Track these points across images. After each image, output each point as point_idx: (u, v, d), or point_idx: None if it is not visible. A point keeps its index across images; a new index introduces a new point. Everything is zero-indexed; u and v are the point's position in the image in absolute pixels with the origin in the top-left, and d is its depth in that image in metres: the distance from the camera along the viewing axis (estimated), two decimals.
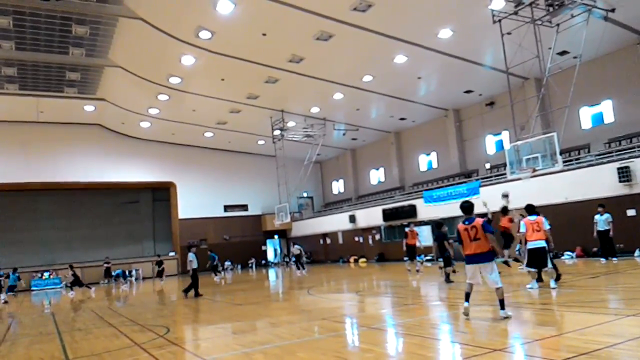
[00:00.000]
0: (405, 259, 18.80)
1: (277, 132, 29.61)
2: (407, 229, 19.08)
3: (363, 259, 31.16)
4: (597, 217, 15.46)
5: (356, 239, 32.37)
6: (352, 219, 31.74)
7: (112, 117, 31.89)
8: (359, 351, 6.67)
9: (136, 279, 33.30)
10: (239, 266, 37.04)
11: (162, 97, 26.96)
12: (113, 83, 26.14)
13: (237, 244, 37.63)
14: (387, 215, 28.80)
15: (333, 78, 24.51)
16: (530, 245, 10.40)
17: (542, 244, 10.29)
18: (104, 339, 8.98)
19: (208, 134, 34.19)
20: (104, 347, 8.01)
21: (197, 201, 36.79)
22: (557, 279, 10.79)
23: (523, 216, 10.98)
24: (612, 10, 16.46)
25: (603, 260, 15.61)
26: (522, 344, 6.20)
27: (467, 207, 8.06)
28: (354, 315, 10.20)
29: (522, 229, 10.68)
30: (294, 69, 23.18)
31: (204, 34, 19.69)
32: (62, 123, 32.11)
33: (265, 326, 9.18)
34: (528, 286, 10.63)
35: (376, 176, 36.40)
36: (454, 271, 14.83)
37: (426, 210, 26.11)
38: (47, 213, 34.66)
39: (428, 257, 25.82)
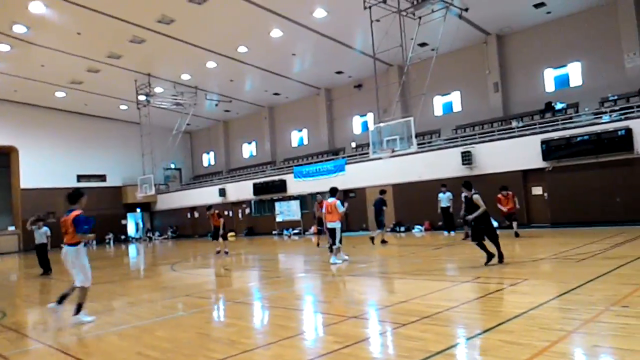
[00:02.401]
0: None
1: (142, 98, 27.66)
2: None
3: (232, 233, 30.98)
4: (440, 195, 17.34)
5: (226, 212, 31.98)
6: (222, 192, 31.26)
7: None
8: (222, 326, 6.66)
9: None
10: (94, 242, 34.07)
11: (3, 47, 23.16)
12: None
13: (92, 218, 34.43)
14: (258, 189, 28.93)
15: (206, 45, 23.53)
16: (328, 225, 11.81)
17: (334, 225, 11.61)
18: None
19: (60, 94, 30.38)
20: None
21: (44, 169, 32.63)
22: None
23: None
24: (466, 10, 18.36)
25: (445, 233, 17.72)
26: (375, 310, 6.76)
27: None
28: (219, 290, 10.12)
29: (323, 210, 11.91)
30: (163, 31, 21.70)
31: None
32: None
33: (122, 306, 8.65)
34: (331, 261, 11.63)
35: (248, 150, 36.20)
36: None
37: (296, 185, 26.77)
38: None
39: (296, 231, 26.64)
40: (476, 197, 9.41)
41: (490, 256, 9.29)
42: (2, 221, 32.58)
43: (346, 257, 12.06)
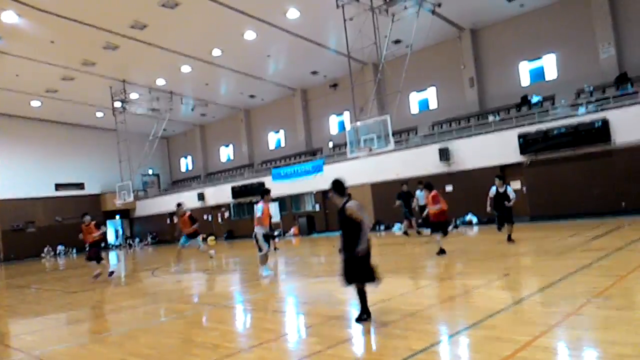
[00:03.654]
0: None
1: (117, 104, 27.08)
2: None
3: (212, 237, 30.52)
4: (417, 192, 16.85)
5: (205, 217, 31.51)
6: (201, 196, 30.77)
7: None
8: (205, 330, 6.55)
9: None
10: (74, 250, 33.30)
11: None
12: None
13: (71, 226, 33.34)
14: (237, 192, 28.53)
15: (180, 49, 23.14)
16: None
17: (256, 230, 10.55)
18: None
19: (35, 103, 29.78)
20: None
21: (22, 179, 31.86)
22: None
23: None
24: (439, 5, 18.17)
25: (425, 230, 17.36)
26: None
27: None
28: (201, 294, 9.89)
29: (259, 213, 10.54)
30: (136, 36, 21.31)
31: None
32: None
33: (104, 313, 8.55)
34: (261, 271, 10.53)
35: (225, 153, 35.72)
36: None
37: (274, 187, 26.41)
38: None
39: (276, 233, 26.36)
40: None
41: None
42: None
43: (270, 272, 10.61)
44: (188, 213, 13.91)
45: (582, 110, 16.89)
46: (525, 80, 21.22)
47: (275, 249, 16.88)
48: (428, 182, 11.97)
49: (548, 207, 17.24)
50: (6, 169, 31.59)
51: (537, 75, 20.99)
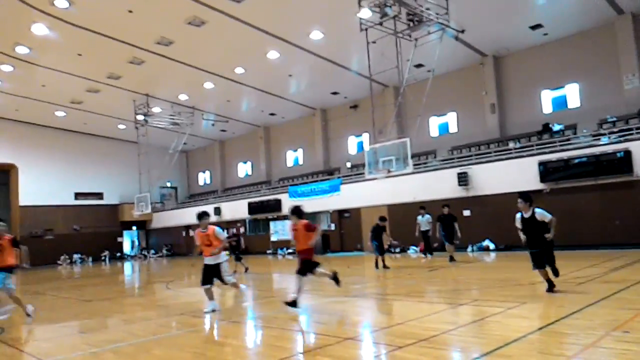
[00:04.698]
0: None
1: (140, 117, 27.57)
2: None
3: (226, 252, 30.58)
4: (419, 218, 16.38)
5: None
6: (218, 211, 30.98)
7: None
8: (217, 345, 6.51)
9: None
10: (91, 259, 33.81)
11: (6, 68, 23.41)
12: None
13: (89, 235, 34.25)
14: (253, 208, 28.66)
15: (204, 66, 23.57)
16: (205, 260, 8.59)
17: (213, 260, 8.45)
18: None
19: (60, 113, 30.53)
20: None
21: (43, 187, 32.63)
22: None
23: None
24: (462, 31, 18.29)
25: (424, 256, 16.82)
26: (370, 332, 6.54)
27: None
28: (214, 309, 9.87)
29: (197, 242, 8.65)
30: (162, 52, 21.79)
31: (61, 3, 17.48)
32: None
33: (117, 324, 8.52)
34: (205, 310, 8.49)
35: (243, 169, 35.97)
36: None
37: (290, 204, 26.49)
38: None
39: (290, 250, 26.34)
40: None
41: None
42: None
43: (211, 307, 8.51)
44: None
45: (604, 140, 16.64)
46: (547, 108, 21.05)
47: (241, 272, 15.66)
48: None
49: (567, 237, 16.71)
50: (28, 176, 32.38)
51: (560, 103, 20.80)
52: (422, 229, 16.35)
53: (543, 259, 7.97)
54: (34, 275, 23.97)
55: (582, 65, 19.85)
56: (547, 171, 17.23)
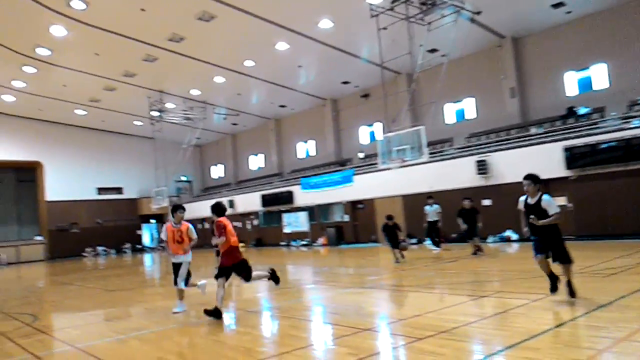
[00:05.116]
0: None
1: (154, 113, 27.55)
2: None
3: (241, 244, 30.51)
4: (426, 208, 15.16)
5: (234, 224, 31.64)
6: (231, 204, 30.80)
7: None
8: (236, 334, 6.49)
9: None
10: (113, 251, 34.60)
11: (28, 70, 23.53)
12: None
13: (110, 228, 34.77)
14: (266, 200, 28.27)
15: (214, 60, 23.13)
16: (174, 259, 8.01)
17: (182, 258, 7.93)
18: None
19: (80, 112, 30.73)
20: None
21: (67, 183, 33.37)
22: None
23: None
24: (478, 13, 16.91)
25: (433, 248, 15.51)
26: (387, 323, 6.32)
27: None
28: (231, 299, 9.78)
29: (164, 236, 8.02)
30: (173, 49, 21.49)
31: (77, 4, 17.34)
32: None
33: (140, 312, 8.73)
34: (174, 310, 7.93)
35: (256, 162, 35.47)
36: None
37: (303, 196, 26.24)
38: None
39: (304, 242, 26.19)
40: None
41: None
42: (29, 231, 33.45)
43: (180, 309, 7.93)
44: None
45: (635, 123, 15.13)
46: (571, 91, 19.33)
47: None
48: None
49: (596, 226, 15.44)
50: (53, 172, 33.33)
51: (585, 85, 19.07)
52: (429, 219, 15.20)
53: (546, 246, 6.45)
54: (61, 266, 24.56)
55: (609, 44, 18.05)
56: (573, 157, 15.76)
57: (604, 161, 15.29)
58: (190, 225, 8.07)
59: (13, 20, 19.04)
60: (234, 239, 7.20)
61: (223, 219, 7.23)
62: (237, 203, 30.65)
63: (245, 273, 7.20)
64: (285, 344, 5.58)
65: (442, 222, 15.35)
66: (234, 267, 7.19)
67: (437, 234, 15.45)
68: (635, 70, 17.59)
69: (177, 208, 8.05)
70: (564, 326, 5.18)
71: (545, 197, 6.41)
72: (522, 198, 6.69)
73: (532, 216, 6.34)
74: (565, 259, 6.35)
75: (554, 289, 6.47)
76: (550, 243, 6.41)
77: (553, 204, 6.39)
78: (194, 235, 8.02)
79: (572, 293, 6.37)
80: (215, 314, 6.85)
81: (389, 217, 13.84)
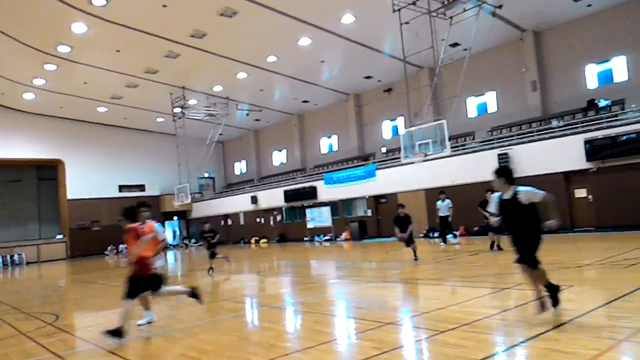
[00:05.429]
0: None
1: (177, 110, 28.22)
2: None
3: (264, 240, 31.11)
4: (438, 202, 16.03)
5: (258, 219, 32.19)
6: (254, 199, 31.43)
7: None
8: (260, 330, 6.69)
9: (19, 264, 30.41)
10: None
11: (49, 67, 24.23)
12: None
13: None
14: (289, 196, 28.90)
15: (237, 56, 23.76)
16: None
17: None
18: None
19: (101, 109, 31.56)
20: None
21: (88, 181, 33.94)
22: None
23: None
24: (500, 7, 17.62)
25: (442, 245, 15.90)
26: (410, 317, 6.54)
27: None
28: (254, 295, 10.10)
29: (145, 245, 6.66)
30: (196, 45, 22.09)
31: (98, 1, 17.89)
32: None
33: (164, 309, 8.72)
34: (138, 322, 7.10)
35: (278, 157, 36.29)
36: None
37: (326, 191, 26.62)
38: None
39: (327, 237, 26.48)
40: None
41: None
42: (51, 230, 34.11)
43: (150, 319, 7.18)
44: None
45: None
46: (592, 84, 20.05)
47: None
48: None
49: (616, 217, 16.17)
50: (75, 170, 33.72)
51: (606, 78, 19.73)
52: (441, 214, 15.88)
53: (530, 252, 5.51)
54: (83, 265, 25.17)
55: (629, 37, 18.71)
56: (593, 149, 16.47)
57: (624, 153, 15.94)
58: (155, 225, 7.36)
59: (34, 18, 19.51)
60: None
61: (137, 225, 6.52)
62: (260, 199, 31.19)
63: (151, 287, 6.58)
64: (309, 338, 5.70)
65: (465, 216, 15.51)
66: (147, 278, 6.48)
67: (448, 228, 16.26)
68: None
69: (141, 206, 7.21)
70: (584, 317, 5.32)
71: (520, 189, 5.54)
72: (495, 196, 5.88)
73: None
74: (529, 261, 5.48)
75: (542, 306, 5.43)
76: (520, 237, 5.53)
77: (535, 191, 5.48)
78: (162, 235, 7.56)
79: (551, 304, 5.51)
80: (116, 333, 6.08)
81: (401, 206, 12.92)
